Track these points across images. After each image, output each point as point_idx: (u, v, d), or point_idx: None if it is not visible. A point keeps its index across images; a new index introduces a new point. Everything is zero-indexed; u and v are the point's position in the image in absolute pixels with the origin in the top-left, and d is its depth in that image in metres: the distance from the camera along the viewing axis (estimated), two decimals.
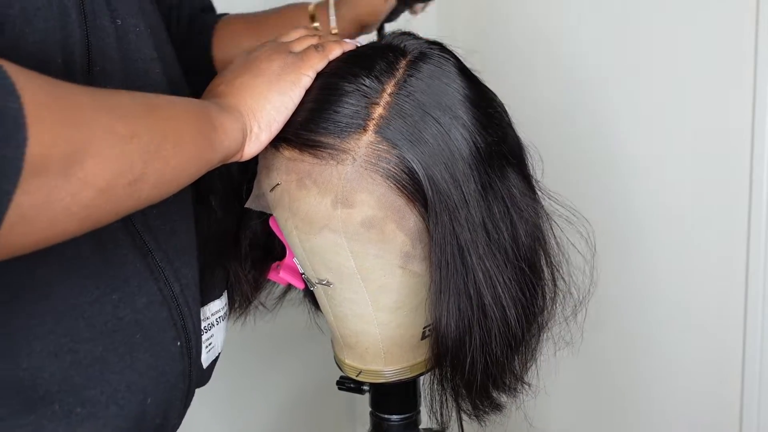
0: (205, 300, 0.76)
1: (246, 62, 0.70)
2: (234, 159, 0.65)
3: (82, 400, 0.60)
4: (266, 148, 0.74)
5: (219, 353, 0.79)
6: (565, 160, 1.19)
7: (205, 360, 0.74)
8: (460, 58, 0.75)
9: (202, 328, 0.74)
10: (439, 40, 0.77)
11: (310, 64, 0.70)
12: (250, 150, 0.65)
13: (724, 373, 1.08)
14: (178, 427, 0.71)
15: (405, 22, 0.79)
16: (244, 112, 0.65)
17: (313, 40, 0.73)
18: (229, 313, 0.89)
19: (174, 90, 0.70)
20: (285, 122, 0.68)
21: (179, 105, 0.58)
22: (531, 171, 0.78)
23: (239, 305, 0.89)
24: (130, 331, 0.63)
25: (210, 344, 0.75)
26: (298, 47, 0.72)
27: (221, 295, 0.79)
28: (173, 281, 0.67)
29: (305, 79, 0.69)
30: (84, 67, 0.60)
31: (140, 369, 0.64)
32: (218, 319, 0.78)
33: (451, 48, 0.76)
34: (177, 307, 0.67)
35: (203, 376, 0.76)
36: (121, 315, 0.62)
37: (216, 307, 0.77)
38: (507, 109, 0.77)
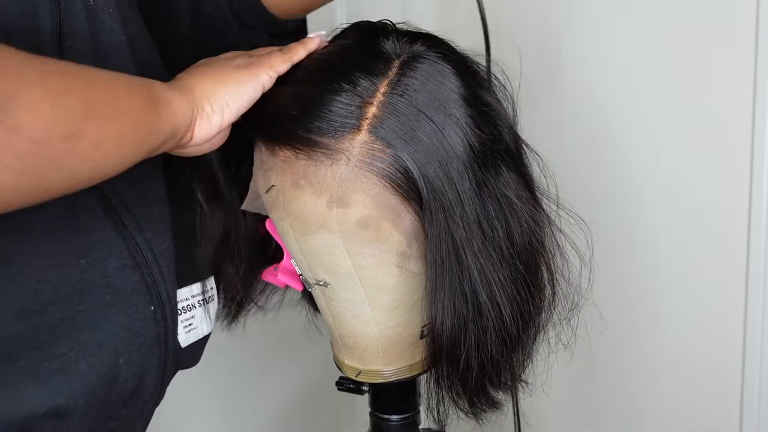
0: (187, 281, 0.77)
1: (209, 60, 0.71)
2: (186, 139, 0.65)
3: (50, 356, 0.62)
4: (261, 149, 0.75)
5: (206, 335, 0.80)
6: (565, 160, 1.19)
7: (185, 339, 0.75)
8: (458, 54, 0.75)
9: (182, 307, 0.75)
10: (438, 36, 0.77)
11: (271, 63, 0.70)
12: (201, 131, 0.65)
13: (723, 373, 1.08)
14: (156, 399, 0.73)
15: (403, 17, 0.79)
16: (196, 92, 0.65)
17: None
18: (230, 316, 0.90)
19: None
20: (238, 111, 0.67)
21: (119, 76, 0.59)
22: (530, 171, 0.78)
23: (237, 308, 0.89)
24: (99, 293, 0.65)
25: (191, 324, 0.77)
26: (263, 53, 0.73)
27: (204, 279, 0.80)
28: (146, 249, 0.68)
29: (264, 75, 0.69)
30: (55, 38, 0.61)
31: (112, 328, 0.65)
32: (200, 302, 0.79)
33: (450, 43, 0.76)
34: (150, 274, 0.68)
35: (187, 355, 0.77)
36: (90, 278, 0.64)
37: (197, 289, 0.78)
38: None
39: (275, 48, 0.75)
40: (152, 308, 0.69)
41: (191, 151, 0.67)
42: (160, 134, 0.61)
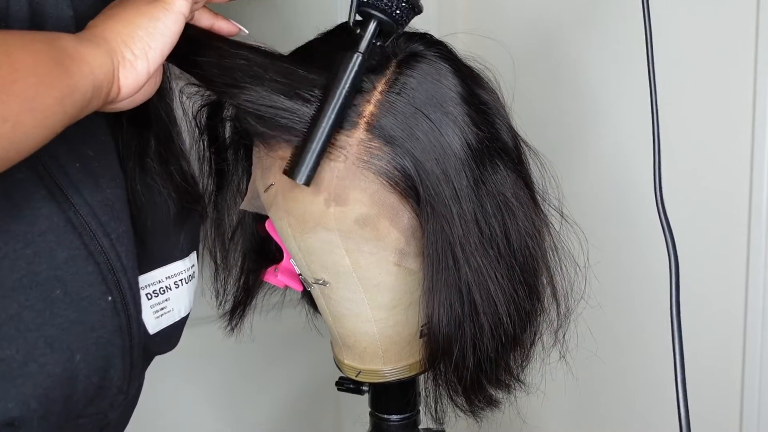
0: (161, 261, 0.73)
1: (119, 1, 0.64)
2: (113, 93, 0.59)
3: None
4: (259, 148, 0.75)
5: (183, 317, 0.76)
6: (564, 160, 1.19)
7: (155, 324, 0.72)
8: (456, 53, 0.76)
9: (153, 291, 0.71)
10: (438, 35, 0.77)
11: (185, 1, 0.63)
12: (128, 81, 0.59)
13: (723, 373, 1.08)
14: (127, 390, 0.69)
15: None
16: (110, 39, 0.59)
17: None
18: (231, 317, 0.90)
19: None
20: (163, 50, 0.61)
21: (13, 34, 0.53)
22: (529, 170, 0.78)
23: (237, 308, 0.89)
24: (48, 287, 0.60)
25: (163, 308, 0.72)
26: None
27: (184, 257, 0.75)
28: (101, 235, 0.63)
29: (178, 3, 0.62)
30: None
31: (63, 325, 0.61)
32: (179, 282, 0.74)
33: (446, 43, 0.76)
34: (107, 262, 0.64)
35: (158, 340, 0.73)
36: (37, 270, 0.59)
37: (176, 269, 0.74)
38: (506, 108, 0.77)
39: None
40: (110, 298, 0.64)
41: (125, 104, 0.62)
42: (78, 94, 0.55)
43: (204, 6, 0.69)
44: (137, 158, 0.70)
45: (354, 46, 0.69)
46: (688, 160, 1.08)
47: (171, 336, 0.75)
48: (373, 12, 0.69)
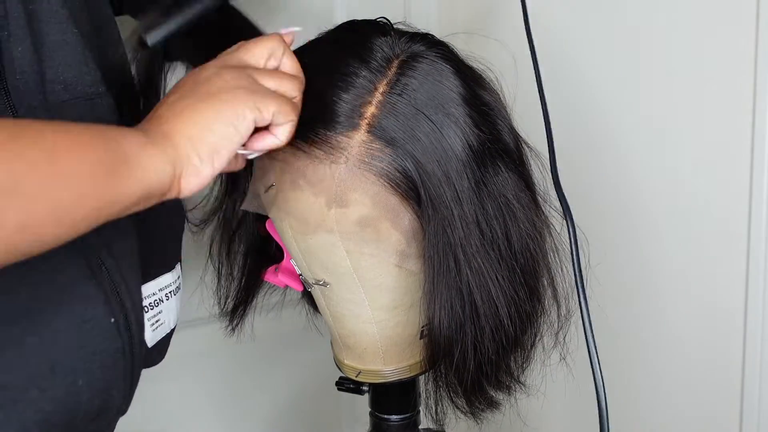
0: (153, 274, 0.71)
1: (195, 82, 0.60)
2: (171, 195, 0.57)
3: None
4: None
5: (172, 328, 0.75)
6: (564, 160, 1.19)
7: (152, 338, 0.70)
8: (457, 54, 0.75)
9: (148, 304, 0.69)
10: (438, 35, 0.77)
11: (273, 100, 0.61)
12: (189, 185, 0.57)
13: (723, 373, 1.08)
14: (124, 407, 0.68)
15: (404, 16, 0.79)
16: (179, 145, 0.56)
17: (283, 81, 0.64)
18: (232, 318, 0.90)
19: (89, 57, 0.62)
20: (230, 155, 0.59)
21: (74, 132, 0.49)
22: (530, 171, 0.78)
23: (238, 308, 0.89)
24: (51, 311, 0.58)
25: (158, 321, 0.71)
26: (265, 79, 0.63)
27: (172, 268, 0.74)
28: (105, 255, 0.61)
29: (257, 114, 0.59)
30: None
31: (66, 349, 0.59)
32: (168, 294, 0.73)
33: (448, 43, 0.76)
34: (111, 282, 0.62)
35: (152, 354, 0.72)
36: (39, 296, 0.58)
37: (166, 281, 0.72)
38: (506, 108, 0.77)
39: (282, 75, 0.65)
40: (113, 320, 0.62)
41: (181, 197, 0.59)
42: (121, 205, 0.52)
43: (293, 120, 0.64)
44: None
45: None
46: (688, 159, 1.08)
47: (162, 349, 0.74)
48: None
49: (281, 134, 0.63)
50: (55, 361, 0.59)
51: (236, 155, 0.62)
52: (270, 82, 0.63)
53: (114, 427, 0.71)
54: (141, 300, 0.66)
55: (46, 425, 0.59)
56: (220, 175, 0.81)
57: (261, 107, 0.60)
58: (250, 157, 0.66)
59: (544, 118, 0.76)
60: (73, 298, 0.60)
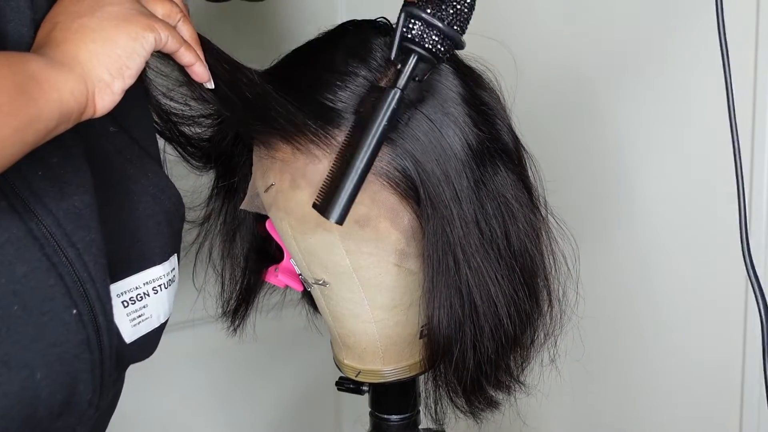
0: (136, 267, 0.69)
1: (85, 3, 0.59)
2: (88, 114, 0.57)
3: None
4: (259, 149, 0.75)
5: (163, 323, 0.73)
6: (563, 161, 1.19)
7: (133, 332, 0.69)
8: (456, 53, 0.75)
9: (129, 298, 0.68)
10: None
11: (164, 25, 0.61)
12: (104, 101, 0.57)
13: (723, 373, 1.08)
14: (98, 403, 0.66)
15: None
16: (85, 61, 0.56)
17: (175, 11, 0.64)
18: (233, 318, 0.89)
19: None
20: (139, 69, 0.59)
21: None
22: (528, 172, 0.78)
23: (239, 309, 0.89)
24: (5, 303, 0.57)
25: (140, 315, 0.70)
26: (156, 7, 0.63)
27: (163, 261, 0.72)
28: (66, 246, 0.60)
29: (158, 35, 0.59)
30: None
31: (21, 342, 0.58)
32: (158, 288, 0.71)
33: None
34: (73, 273, 0.60)
35: (137, 349, 0.70)
36: None
37: (155, 273, 0.71)
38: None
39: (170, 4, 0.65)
40: (75, 311, 0.60)
41: (97, 116, 0.59)
42: (41, 122, 0.52)
43: (186, 45, 0.64)
44: (117, 163, 0.68)
45: (393, 81, 0.67)
46: (688, 159, 1.08)
47: (148, 344, 0.72)
48: (416, 48, 0.66)
49: (184, 59, 0.64)
50: (9, 354, 0.58)
51: None
52: (159, 9, 0.63)
53: (101, 423, 0.70)
54: (108, 292, 0.64)
55: (3, 421, 0.58)
56: (218, 178, 0.81)
57: (158, 28, 0.60)
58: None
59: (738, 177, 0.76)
60: (29, 289, 0.59)
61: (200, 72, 0.65)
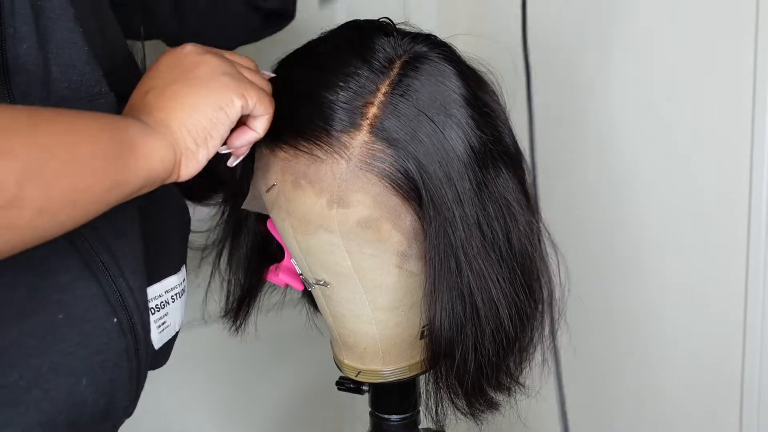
0: (159, 276, 0.71)
1: (181, 66, 0.63)
2: (172, 180, 0.60)
3: None
4: (261, 148, 0.75)
5: (177, 331, 0.74)
6: (563, 161, 1.19)
7: (159, 340, 0.70)
8: (459, 55, 0.75)
9: (155, 306, 0.69)
10: (438, 35, 0.77)
11: (254, 89, 0.64)
12: (189, 169, 0.60)
13: (724, 373, 1.08)
14: (131, 409, 0.67)
15: (404, 17, 0.79)
16: (175, 129, 0.59)
17: (257, 77, 0.68)
18: (234, 317, 0.89)
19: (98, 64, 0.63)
20: (223, 138, 0.62)
21: (84, 121, 0.52)
22: (526, 175, 0.78)
23: (241, 308, 0.89)
24: (50, 311, 0.59)
25: (164, 323, 0.71)
26: (244, 70, 0.66)
27: (178, 270, 0.74)
28: (105, 255, 0.62)
29: (245, 102, 0.63)
30: None
31: (67, 350, 0.59)
32: (174, 296, 0.73)
33: (451, 44, 0.76)
34: (112, 282, 0.62)
35: (157, 356, 0.71)
36: (39, 295, 0.58)
37: (171, 283, 0.72)
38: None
39: (246, 62, 0.68)
40: (115, 320, 0.62)
41: (180, 180, 0.62)
42: (128, 187, 0.55)
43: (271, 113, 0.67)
44: None
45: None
46: (688, 159, 1.08)
47: (167, 351, 0.74)
48: None
49: (260, 127, 0.67)
50: (56, 361, 0.59)
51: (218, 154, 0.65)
52: (248, 73, 0.66)
53: (117, 429, 0.70)
54: (146, 301, 0.66)
55: (50, 426, 0.59)
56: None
57: (246, 95, 0.63)
58: (223, 151, 0.66)
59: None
60: (72, 298, 0.60)
61: (245, 151, 0.68)
